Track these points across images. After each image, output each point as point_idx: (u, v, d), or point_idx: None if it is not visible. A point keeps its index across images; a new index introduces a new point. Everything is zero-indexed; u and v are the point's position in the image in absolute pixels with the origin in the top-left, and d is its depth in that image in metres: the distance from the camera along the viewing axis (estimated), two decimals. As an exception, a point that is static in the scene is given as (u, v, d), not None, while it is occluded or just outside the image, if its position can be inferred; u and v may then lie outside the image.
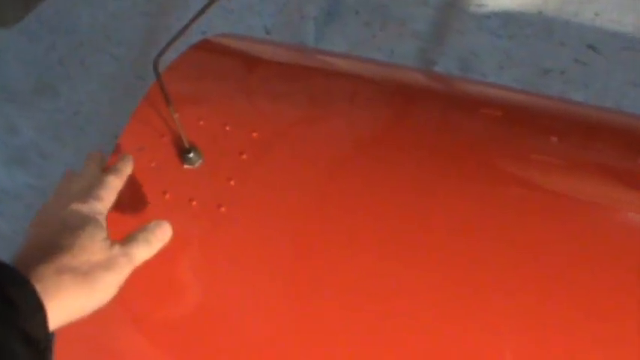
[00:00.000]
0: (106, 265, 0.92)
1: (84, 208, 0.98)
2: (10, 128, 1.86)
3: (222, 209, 1.12)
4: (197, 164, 1.17)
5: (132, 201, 1.16)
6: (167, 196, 1.15)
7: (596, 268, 1.01)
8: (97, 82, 1.92)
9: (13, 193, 1.72)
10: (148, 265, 1.04)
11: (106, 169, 1.11)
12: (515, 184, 1.11)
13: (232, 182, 1.14)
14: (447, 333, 1.01)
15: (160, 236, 1.02)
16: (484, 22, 1.86)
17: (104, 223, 0.98)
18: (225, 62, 1.39)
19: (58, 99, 1.90)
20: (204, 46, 1.41)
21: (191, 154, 1.16)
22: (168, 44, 1.06)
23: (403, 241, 1.07)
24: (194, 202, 1.14)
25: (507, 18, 1.85)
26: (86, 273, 0.89)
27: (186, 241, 1.12)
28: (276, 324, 1.07)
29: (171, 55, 1.25)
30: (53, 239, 0.92)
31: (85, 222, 0.95)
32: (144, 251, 0.99)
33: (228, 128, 1.20)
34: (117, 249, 0.95)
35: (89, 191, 1.02)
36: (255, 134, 1.18)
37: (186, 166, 1.17)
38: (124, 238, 0.99)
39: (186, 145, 1.17)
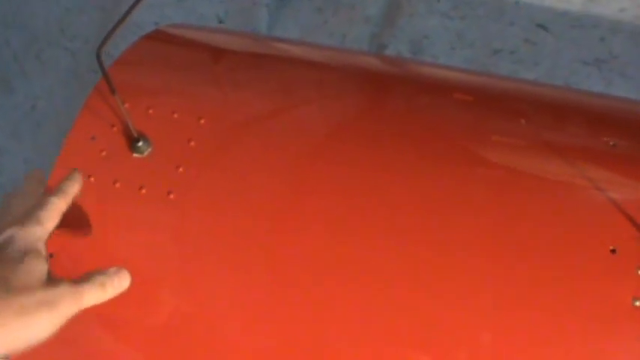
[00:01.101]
0: (47, 302, 0.84)
1: (22, 234, 0.89)
2: None
3: (172, 196, 1.14)
4: (146, 153, 1.18)
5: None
6: (117, 185, 1.16)
7: (564, 244, 1.04)
8: (52, 77, 1.92)
9: (-32, 192, 1.73)
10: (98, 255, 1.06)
11: (49, 189, 1.06)
12: (484, 165, 1.14)
13: (181, 169, 1.16)
14: (424, 310, 1.04)
15: (116, 284, 0.97)
16: (435, 5, 1.88)
17: (44, 251, 0.91)
18: (175, 51, 1.40)
19: (14, 95, 1.90)
20: (155, 36, 1.42)
21: (140, 143, 1.18)
22: (109, 34, 1.07)
23: (360, 222, 1.09)
24: (143, 190, 1.15)
25: (458, 0, 1.88)
26: (21, 309, 0.81)
27: (135, 228, 1.14)
28: (225, 309, 1.09)
29: (124, 47, 1.26)
30: None
31: (23, 252, 0.87)
32: (95, 295, 0.92)
33: (176, 116, 1.22)
34: (64, 287, 0.88)
35: (29, 214, 0.93)
36: (202, 121, 1.20)
37: (135, 155, 1.18)
38: (80, 277, 0.94)
39: (135, 134, 1.18)
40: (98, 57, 1.05)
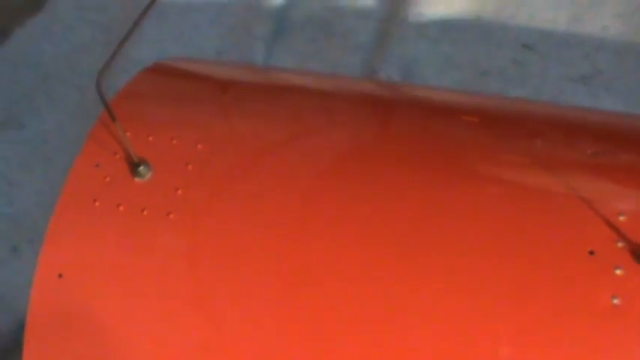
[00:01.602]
0: None
1: None
2: None
3: (171, 216, 1.20)
4: (147, 177, 1.25)
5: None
6: (121, 208, 1.23)
7: (546, 248, 1.10)
8: (63, 112, 2.01)
9: (-17, 222, 1.81)
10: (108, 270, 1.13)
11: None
12: (476, 177, 1.20)
13: (179, 191, 1.22)
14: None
15: None
16: (423, 30, 1.96)
17: None
18: (172, 83, 1.49)
19: (25, 130, 1.99)
20: (154, 69, 1.50)
21: (141, 168, 1.24)
22: (107, 63, 1.15)
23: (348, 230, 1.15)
24: (145, 212, 1.21)
25: (447, 25, 1.95)
26: None
27: (138, 248, 1.20)
28: (225, 322, 1.15)
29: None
30: None
31: None
32: None
33: (174, 142, 1.29)
34: None
35: None
36: (200, 146, 1.27)
37: (137, 179, 1.25)
38: None
39: (136, 160, 1.24)
40: (98, 86, 1.12)
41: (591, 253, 1.08)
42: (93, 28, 2.18)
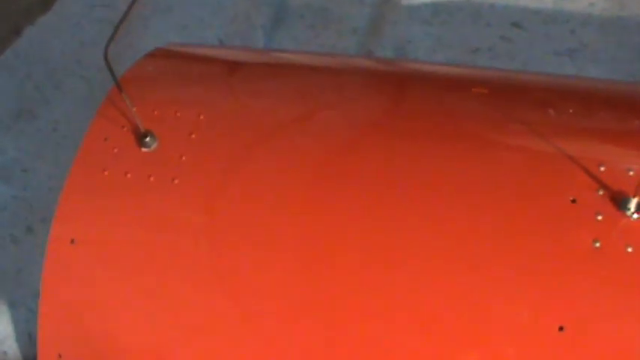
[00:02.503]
0: None
1: None
2: None
3: (176, 181, 1.27)
4: (153, 147, 1.33)
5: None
6: (128, 175, 1.31)
7: (529, 197, 1.16)
8: (71, 103, 2.10)
9: (0, 205, 1.90)
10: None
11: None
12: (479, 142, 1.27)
13: (183, 158, 1.30)
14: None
15: None
16: (416, 13, 2.04)
17: None
18: (174, 64, 1.58)
19: (37, 121, 2.08)
20: (156, 54, 1.59)
21: (147, 138, 1.32)
22: (113, 35, 1.23)
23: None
24: (151, 178, 1.29)
25: (438, 7, 2.03)
26: None
27: (145, 211, 1.27)
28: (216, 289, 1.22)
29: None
30: None
31: None
32: None
33: (178, 114, 1.37)
34: None
35: None
36: (202, 116, 1.35)
37: (143, 149, 1.32)
38: None
39: (142, 131, 1.32)
40: (105, 56, 1.20)
41: (573, 201, 1.14)
42: (100, 24, 2.27)
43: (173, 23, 2.19)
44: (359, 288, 1.15)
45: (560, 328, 1.06)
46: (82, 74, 2.17)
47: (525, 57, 1.91)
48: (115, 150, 1.34)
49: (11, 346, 1.59)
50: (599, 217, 1.13)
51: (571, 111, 1.31)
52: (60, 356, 1.27)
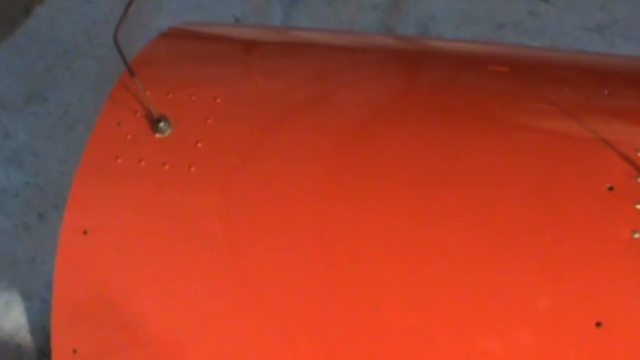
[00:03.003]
0: None
1: None
2: (4, 133, 2.01)
3: (192, 169, 1.22)
4: (167, 132, 1.27)
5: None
6: (142, 163, 1.25)
7: (565, 186, 1.11)
8: (82, 84, 2.06)
9: (12, 192, 1.86)
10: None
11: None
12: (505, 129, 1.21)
13: (200, 144, 1.24)
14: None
15: None
16: (439, -13, 1.98)
17: None
18: (189, 44, 1.52)
19: (48, 103, 2.04)
20: (170, 33, 1.53)
21: (161, 124, 1.27)
22: (122, 17, 1.18)
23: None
24: (166, 166, 1.24)
25: (463, -20, 1.97)
26: None
27: (159, 200, 1.23)
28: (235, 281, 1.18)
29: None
30: None
31: None
32: None
33: (193, 98, 1.31)
34: None
35: None
36: (218, 100, 1.29)
37: (157, 135, 1.27)
38: None
39: (156, 116, 1.27)
40: (115, 39, 1.14)
41: (610, 188, 1.09)
42: (111, 1, 2.22)
43: (187, 1, 2.13)
44: (380, 283, 1.11)
45: (598, 324, 1.01)
46: (93, 54, 2.13)
47: (553, 33, 1.85)
48: (128, 136, 1.29)
49: (25, 338, 1.57)
50: (638, 206, 1.07)
51: (606, 92, 1.25)
52: (75, 351, 1.24)
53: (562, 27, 1.86)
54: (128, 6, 1.17)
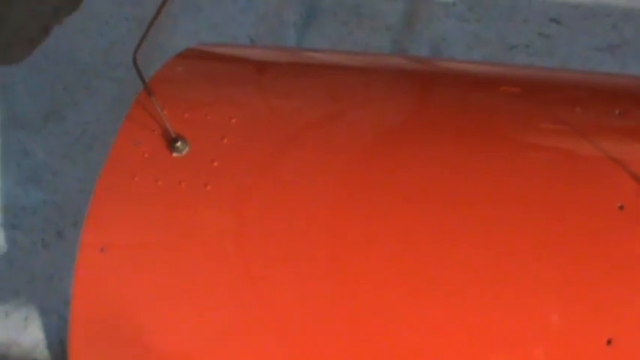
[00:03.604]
0: None
1: None
2: (23, 152, 2.04)
3: (208, 187, 1.24)
4: (184, 152, 1.29)
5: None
6: (159, 182, 1.28)
7: (576, 205, 1.12)
8: (100, 104, 2.09)
9: (30, 209, 1.88)
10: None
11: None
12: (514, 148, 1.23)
13: (215, 163, 1.26)
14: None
15: None
16: (451, 9, 1.99)
17: None
18: (204, 64, 1.54)
19: (66, 123, 2.08)
20: (186, 54, 1.56)
21: (178, 143, 1.29)
22: (142, 39, 1.21)
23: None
24: (182, 184, 1.26)
25: (473, 3, 1.98)
26: None
27: (176, 219, 1.25)
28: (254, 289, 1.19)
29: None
30: None
31: None
32: None
33: (209, 118, 1.33)
34: None
35: None
36: (234, 120, 1.31)
37: (175, 155, 1.29)
38: None
39: (173, 135, 1.29)
40: (134, 60, 1.17)
41: (621, 207, 1.10)
42: (128, 22, 2.26)
43: (203, 22, 2.16)
44: (392, 301, 1.12)
45: (609, 342, 1.02)
46: (111, 74, 2.16)
47: (564, 54, 1.87)
48: (146, 155, 1.31)
49: (42, 353, 1.59)
50: (650, 225, 1.08)
51: (617, 112, 1.26)
52: (92, 369, 1.26)
53: (573, 47, 1.88)
54: (148, 28, 1.19)
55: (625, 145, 1.23)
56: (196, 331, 1.21)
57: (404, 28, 2.02)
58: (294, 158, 1.26)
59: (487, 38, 1.93)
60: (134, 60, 1.18)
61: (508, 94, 1.37)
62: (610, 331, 1.02)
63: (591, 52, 1.85)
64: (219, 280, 1.21)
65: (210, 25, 2.17)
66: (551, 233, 1.11)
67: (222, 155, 1.27)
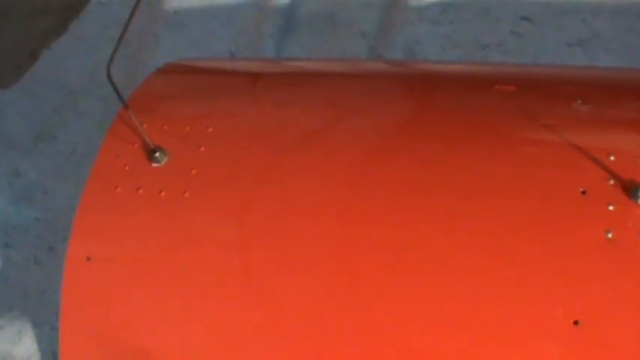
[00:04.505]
0: None
1: None
2: (15, 172, 2.10)
3: (187, 194, 1.28)
4: (163, 162, 1.34)
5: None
6: (140, 191, 1.32)
7: (539, 191, 1.16)
8: (88, 123, 2.15)
9: (23, 227, 1.93)
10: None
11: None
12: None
13: (193, 171, 1.31)
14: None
15: None
16: (424, 14, 2.04)
17: None
18: (183, 78, 1.60)
19: (56, 142, 2.14)
20: (166, 69, 1.61)
21: (157, 154, 1.34)
22: (113, 53, 1.25)
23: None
24: (162, 193, 1.30)
25: (446, 6, 2.03)
26: None
27: (156, 226, 1.29)
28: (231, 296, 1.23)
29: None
30: None
31: None
32: None
33: (187, 128, 1.38)
34: None
35: None
36: (210, 129, 1.36)
37: (154, 165, 1.34)
38: None
39: (152, 146, 1.34)
40: (108, 75, 1.22)
41: (584, 192, 1.13)
42: (113, 43, 2.30)
43: (184, 38, 2.22)
44: (391, 296, 1.15)
45: (576, 322, 1.05)
46: (98, 94, 2.21)
47: (536, 50, 1.91)
48: (127, 167, 1.36)
49: (36, 364, 1.64)
50: (611, 208, 1.12)
51: (579, 102, 1.30)
52: (83, 373, 1.29)
53: (544, 43, 1.92)
54: (118, 43, 1.24)
55: (587, 133, 1.26)
56: (182, 332, 1.24)
57: (379, 34, 2.07)
58: (269, 162, 1.30)
59: (460, 39, 1.97)
60: (108, 74, 1.23)
61: (478, 89, 1.41)
62: (577, 312, 1.06)
63: (562, 48, 1.89)
64: (198, 284, 1.24)
65: (191, 41, 2.23)
66: (515, 219, 1.14)
67: (199, 163, 1.32)
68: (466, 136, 1.28)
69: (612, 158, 1.16)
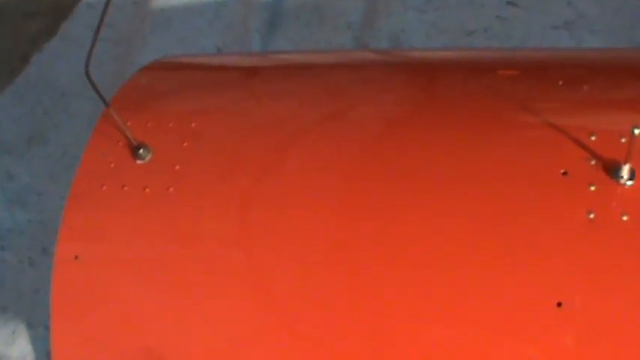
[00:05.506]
0: None
1: None
2: (8, 175, 2.13)
3: (171, 190, 1.29)
4: (147, 158, 1.35)
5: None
6: (125, 188, 1.33)
7: (520, 173, 1.16)
8: (79, 124, 2.16)
9: (17, 230, 1.95)
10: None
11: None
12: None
13: (177, 167, 1.31)
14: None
15: None
16: (409, 3, 2.04)
17: None
18: (168, 75, 1.61)
19: (48, 145, 2.15)
20: (151, 66, 1.62)
21: (141, 151, 1.35)
22: (89, 53, 1.25)
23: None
24: (147, 189, 1.31)
25: (431, -7, 2.04)
26: None
27: (141, 222, 1.30)
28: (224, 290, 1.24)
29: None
30: None
31: None
32: None
33: (171, 125, 1.39)
34: None
35: None
36: (194, 124, 1.36)
37: (138, 162, 1.35)
38: None
39: (135, 144, 1.34)
40: (86, 72, 1.22)
41: (565, 173, 1.13)
42: (104, 43, 2.32)
43: (172, 36, 2.23)
44: (394, 289, 1.15)
45: (559, 304, 1.05)
46: (88, 95, 2.21)
47: (522, 34, 1.91)
48: (112, 165, 1.37)
49: (30, 364, 1.65)
50: (592, 188, 1.11)
51: (560, 83, 1.30)
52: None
53: (530, 27, 1.92)
54: (94, 40, 1.24)
55: (568, 114, 1.26)
56: (172, 329, 1.25)
57: (364, 25, 2.07)
58: (251, 159, 1.30)
59: (445, 26, 1.97)
60: (86, 72, 1.23)
61: (458, 74, 1.41)
62: (560, 294, 1.06)
63: (548, 31, 1.89)
64: (184, 280, 1.24)
65: (178, 38, 2.24)
66: (496, 203, 1.14)
67: (183, 159, 1.32)
68: (445, 122, 1.28)
69: (593, 138, 1.15)
